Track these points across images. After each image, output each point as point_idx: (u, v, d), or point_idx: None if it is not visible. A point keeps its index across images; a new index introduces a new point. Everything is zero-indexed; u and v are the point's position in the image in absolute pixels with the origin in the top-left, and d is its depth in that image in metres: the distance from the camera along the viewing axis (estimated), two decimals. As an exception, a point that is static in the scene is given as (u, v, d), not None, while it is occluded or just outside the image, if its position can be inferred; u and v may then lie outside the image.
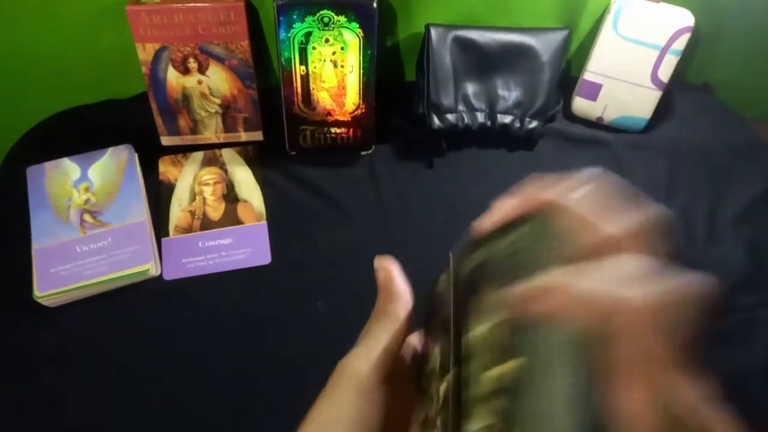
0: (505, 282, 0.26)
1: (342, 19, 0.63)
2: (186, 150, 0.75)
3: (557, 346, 0.23)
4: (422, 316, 0.34)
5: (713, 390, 0.25)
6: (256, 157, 0.74)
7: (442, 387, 0.28)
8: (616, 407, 0.22)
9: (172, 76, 0.70)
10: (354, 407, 0.29)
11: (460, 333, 0.28)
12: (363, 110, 0.71)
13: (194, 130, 0.74)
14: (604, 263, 0.23)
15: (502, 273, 0.27)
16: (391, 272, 0.33)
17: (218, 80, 0.71)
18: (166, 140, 0.75)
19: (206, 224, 0.69)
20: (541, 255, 0.25)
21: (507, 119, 0.73)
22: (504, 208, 0.28)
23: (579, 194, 0.26)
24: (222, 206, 0.70)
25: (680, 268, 0.23)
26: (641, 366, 0.22)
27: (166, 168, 0.73)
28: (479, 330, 0.27)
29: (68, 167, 0.70)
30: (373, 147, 0.75)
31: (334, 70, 0.68)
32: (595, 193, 0.26)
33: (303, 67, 0.67)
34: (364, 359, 0.30)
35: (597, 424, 0.21)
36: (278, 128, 0.73)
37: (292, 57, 0.66)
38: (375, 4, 0.63)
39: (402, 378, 0.31)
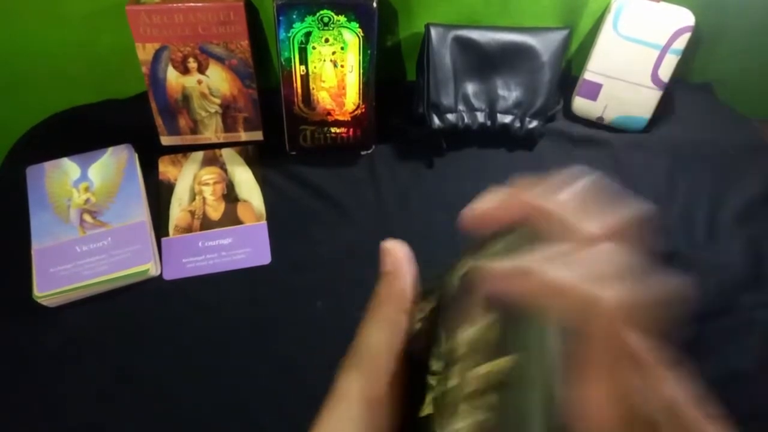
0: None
1: (342, 18, 0.63)
2: (186, 150, 0.75)
3: (539, 341, 0.23)
4: (431, 309, 0.33)
5: (700, 390, 0.25)
6: (256, 157, 0.74)
7: (482, 369, 0.27)
8: (576, 403, 0.22)
9: (172, 76, 0.70)
10: (361, 424, 0.28)
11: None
12: (363, 110, 0.71)
13: (194, 130, 0.74)
14: (582, 254, 0.23)
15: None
16: (400, 264, 0.30)
17: (218, 80, 0.71)
18: (166, 140, 0.75)
19: (206, 224, 0.69)
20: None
21: (507, 119, 0.73)
22: (488, 210, 0.27)
23: (562, 195, 0.25)
24: (222, 206, 0.70)
25: (658, 267, 0.23)
26: (605, 363, 0.22)
27: (165, 168, 0.73)
28: (467, 332, 0.26)
29: (68, 167, 0.70)
30: (373, 147, 0.75)
31: (334, 69, 0.68)
32: (579, 193, 0.25)
33: (303, 67, 0.67)
34: (369, 373, 0.29)
35: (561, 425, 0.22)
36: (278, 128, 0.73)
37: (292, 57, 0.66)
38: (375, 4, 0.63)
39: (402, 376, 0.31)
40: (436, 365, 0.29)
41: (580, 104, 0.77)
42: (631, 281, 0.22)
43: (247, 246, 0.67)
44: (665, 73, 0.72)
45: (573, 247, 0.24)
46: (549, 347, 0.23)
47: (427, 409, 0.29)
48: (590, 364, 0.22)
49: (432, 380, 0.29)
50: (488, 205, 0.27)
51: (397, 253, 0.30)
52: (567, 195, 0.26)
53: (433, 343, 0.30)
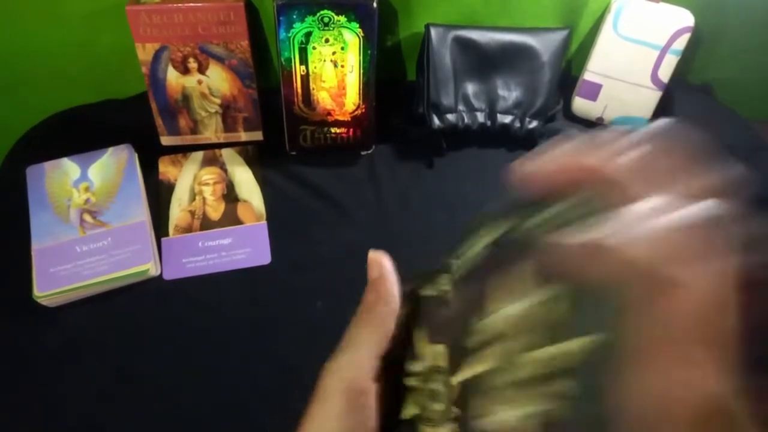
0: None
1: (342, 19, 0.63)
2: (186, 150, 0.74)
3: (619, 321, 0.20)
4: (406, 314, 0.34)
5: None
6: (256, 157, 0.74)
7: (456, 379, 0.27)
8: (636, 392, 0.19)
9: (172, 76, 0.70)
10: (346, 418, 0.29)
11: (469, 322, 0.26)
12: (363, 110, 0.71)
13: (194, 130, 0.74)
14: (661, 221, 0.20)
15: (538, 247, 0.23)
16: (386, 271, 0.32)
17: (218, 80, 0.71)
18: (166, 140, 0.75)
19: (206, 224, 0.69)
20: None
21: (507, 119, 0.73)
22: (545, 170, 0.24)
23: (630, 159, 0.21)
24: (222, 206, 0.70)
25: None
26: (677, 348, 0.19)
27: (165, 168, 0.73)
28: (511, 308, 0.24)
29: (68, 167, 0.70)
30: (373, 147, 0.75)
31: (334, 70, 0.68)
32: (653, 157, 0.21)
33: (303, 67, 0.67)
34: (351, 367, 0.30)
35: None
36: (278, 128, 0.73)
37: (292, 57, 0.66)
38: (375, 4, 0.63)
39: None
40: (416, 366, 0.30)
41: (580, 104, 0.77)
42: (717, 257, 0.19)
43: (247, 246, 0.67)
44: (665, 73, 0.72)
45: (650, 212, 0.20)
46: (628, 328, 0.20)
47: (410, 410, 0.29)
48: (655, 349, 0.19)
49: (412, 381, 0.30)
50: (547, 164, 0.24)
51: (383, 262, 0.32)
52: (637, 159, 0.22)
53: (410, 345, 0.30)
